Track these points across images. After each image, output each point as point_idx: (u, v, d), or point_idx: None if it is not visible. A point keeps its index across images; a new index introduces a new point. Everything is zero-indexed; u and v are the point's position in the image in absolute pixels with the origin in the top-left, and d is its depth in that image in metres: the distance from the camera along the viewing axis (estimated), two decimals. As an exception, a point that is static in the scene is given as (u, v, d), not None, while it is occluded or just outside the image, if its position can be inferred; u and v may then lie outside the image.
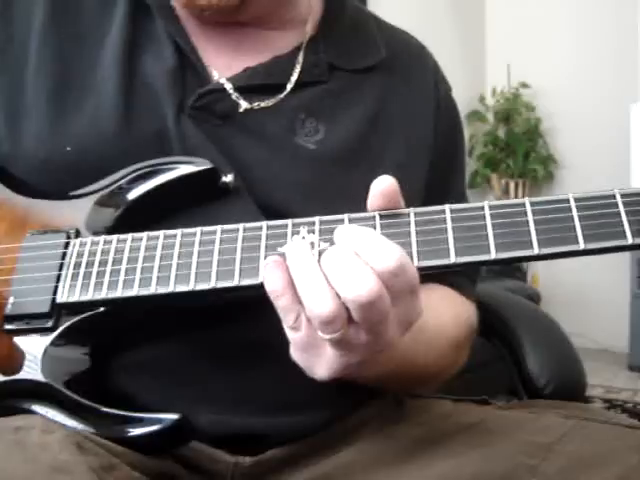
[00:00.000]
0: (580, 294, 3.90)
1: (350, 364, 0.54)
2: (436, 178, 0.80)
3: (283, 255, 0.54)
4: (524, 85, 4.04)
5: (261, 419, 0.68)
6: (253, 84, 0.74)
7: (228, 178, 0.67)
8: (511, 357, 1.16)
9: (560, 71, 3.97)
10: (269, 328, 0.54)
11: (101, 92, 0.70)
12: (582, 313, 3.75)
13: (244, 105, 0.73)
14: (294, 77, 0.75)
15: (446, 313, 0.76)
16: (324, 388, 0.61)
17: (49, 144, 0.69)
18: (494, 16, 4.26)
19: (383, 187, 0.55)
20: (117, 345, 0.67)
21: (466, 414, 0.71)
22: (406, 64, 0.84)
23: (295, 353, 0.56)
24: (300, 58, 0.77)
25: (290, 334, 0.54)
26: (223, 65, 0.75)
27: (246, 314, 0.63)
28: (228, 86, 0.73)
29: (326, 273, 0.51)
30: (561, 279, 3.92)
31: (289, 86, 0.75)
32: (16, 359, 0.63)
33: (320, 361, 0.55)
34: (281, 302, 0.53)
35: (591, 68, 3.88)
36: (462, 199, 0.86)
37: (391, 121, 0.78)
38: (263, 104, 0.73)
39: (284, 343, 0.55)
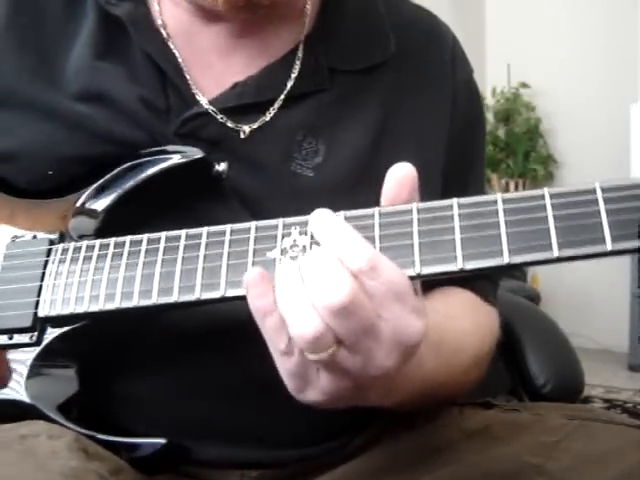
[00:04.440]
0: (580, 294, 3.90)
1: (345, 388, 0.48)
2: (454, 169, 0.74)
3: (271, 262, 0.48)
4: (524, 85, 4.04)
5: (266, 452, 0.68)
6: (242, 104, 0.67)
7: (221, 167, 0.63)
8: (511, 357, 1.17)
9: (560, 71, 3.96)
10: (271, 365, 0.49)
11: (62, 116, 0.66)
12: (582, 313, 3.75)
13: (233, 129, 0.66)
14: (289, 87, 0.68)
15: (467, 323, 0.69)
16: (329, 421, 0.59)
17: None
18: (494, 16, 4.26)
19: (398, 175, 0.49)
20: (114, 373, 0.65)
21: (471, 420, 0.70)
22: (419, 52, 0.75)
23: (286, 379, 0.49)
24: (297, 63, 0.69)
25: (280, 362, 0.48)
26: (210, 81, 0.68)
27: (246, 348, 0.58)
28: (214, 109, 0.66)
29: (305, 284, 0.45)
30: (561, 279, 3.92)
31: (283, 101, 0.67)
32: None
33: (312, 386, 0.49)
34: (269, 322, 0.46)
35: (591, 68, 3.88)
36: (481, 189, 0.79)
37: (402, 125, 0.71)
38: (255, 125, 0.67)
39: None
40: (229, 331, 0.61)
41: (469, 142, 0.78)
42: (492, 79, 4.08)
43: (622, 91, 3.68)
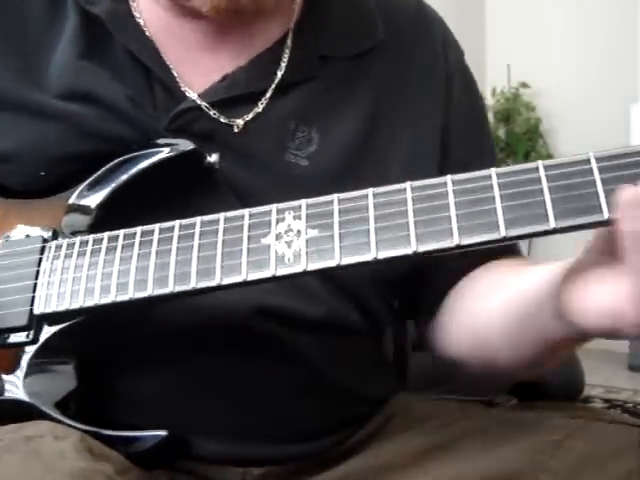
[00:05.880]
0: (580, 294, 3.89)
1: None
2: (458, 152, 0.73)
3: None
4: (524, 85, 4.04)
5: (267, 449, 0.68)
6: (233, 96, 0.66)
7: (213, 158, 0.63)
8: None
9: (560, 71, 3.96)
10: (272, 361, 0.49)
11: (51, 116, 0.65)
12: (582, 313, 3.74)
13: (225, 122, 0.66)
14: (280, 77, 0.67)
15: None
16: (328, 417, 0.60)
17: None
18: (494, 16, 4.25)
19: None
20: (113, 370, 0.64)
21: (473, 418, 0.71)
22: (408, 37, 0.75)
23: None
24: (286, 52, 0.68)
25: None
26: (198, 75, 0.68)
27: (248, 345, 0.59)
28: (205, 103, 0.65)
29: None
30: (561, 279, 3.91)
31: (274, 91, 0.67)
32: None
33: None
34: None
35: (591, 68, 3.88)
36: (493, 160, 0.77)
37: (395, 112, 0.71)
38: (249, 117, 0.66)
39: (286, 376, 0.50)
40: (231, 328, 0.60)
41: (471, 121, 0.77)
42: (492, 79, 4.08)
43: (622, 91, 3.67)
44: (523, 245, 0.75)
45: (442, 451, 0.66)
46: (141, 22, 0.69)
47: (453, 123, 0.74)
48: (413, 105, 0.72)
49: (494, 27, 4.25)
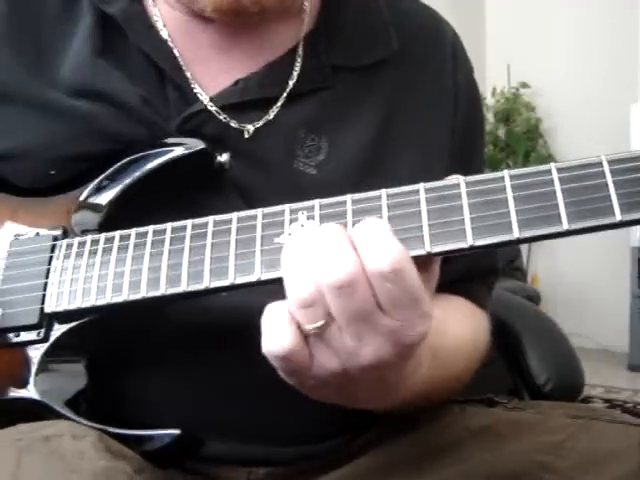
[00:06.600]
0: (580, 294, 3.90)
1: (333, 375, 0.48)
2: (455, 165, 0.72)
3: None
4: (524, 85, 4.04)
5: (272, 449, 0.68)
6: (244, 100, 0.67)
7: (223, 157, 0.63)
8: (511, 357, 1.17)
9: (560, 71, 3.97)
10: None
11: (62, 113, 0.66)
12: (582, 313, 3.75)
13: (235, 127, 0.66)
14: (291, 86, 0.68)
15: (463, 329, 0.70)
16: (334, 419, 0.60)
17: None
18: (494, 16, 4.26)
19: None
20: (123, 370, 0.65)
21: (475, 418, 0.70)
22: (420, 49, 0.75)
23: (282, 375, 0.50)
24: (298, 61, 0.69)
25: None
26: (211, 78, 0.68)
27: (254, 346, 0.58)
28: (217, 105, 0.66)
29: (311, 254, 0.46)
30: (561, 279, 3.92)
31: (286, 99, 0.67)
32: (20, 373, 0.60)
33: (308, 375, 0.49)
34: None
35: (591, 68, 3.88)
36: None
37: (405, 122, 0.71)
38: (258, 122, 0.67)
39: None
40: (236, 330, 0.60)
41: (470, 138, 0.77)
42: (492, 79, 4.09)
43: (622, 91, 3.68)
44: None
45: (444, 452, 0.66)
46: (159, 24, 0.69)
47: (454, 137, 0.74)
48: (422, 117, 0.73)
49: (494, 27, 4.26)
